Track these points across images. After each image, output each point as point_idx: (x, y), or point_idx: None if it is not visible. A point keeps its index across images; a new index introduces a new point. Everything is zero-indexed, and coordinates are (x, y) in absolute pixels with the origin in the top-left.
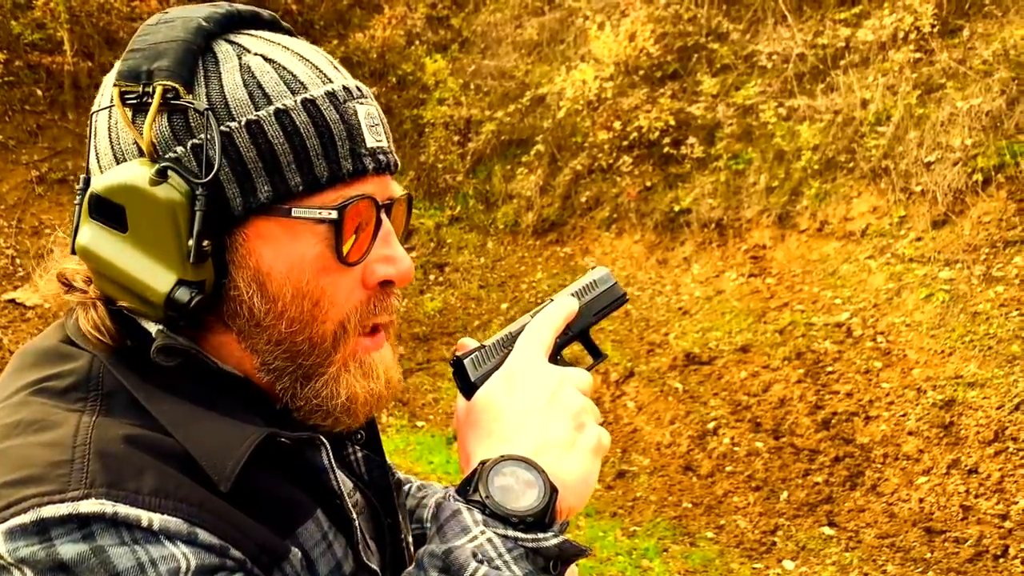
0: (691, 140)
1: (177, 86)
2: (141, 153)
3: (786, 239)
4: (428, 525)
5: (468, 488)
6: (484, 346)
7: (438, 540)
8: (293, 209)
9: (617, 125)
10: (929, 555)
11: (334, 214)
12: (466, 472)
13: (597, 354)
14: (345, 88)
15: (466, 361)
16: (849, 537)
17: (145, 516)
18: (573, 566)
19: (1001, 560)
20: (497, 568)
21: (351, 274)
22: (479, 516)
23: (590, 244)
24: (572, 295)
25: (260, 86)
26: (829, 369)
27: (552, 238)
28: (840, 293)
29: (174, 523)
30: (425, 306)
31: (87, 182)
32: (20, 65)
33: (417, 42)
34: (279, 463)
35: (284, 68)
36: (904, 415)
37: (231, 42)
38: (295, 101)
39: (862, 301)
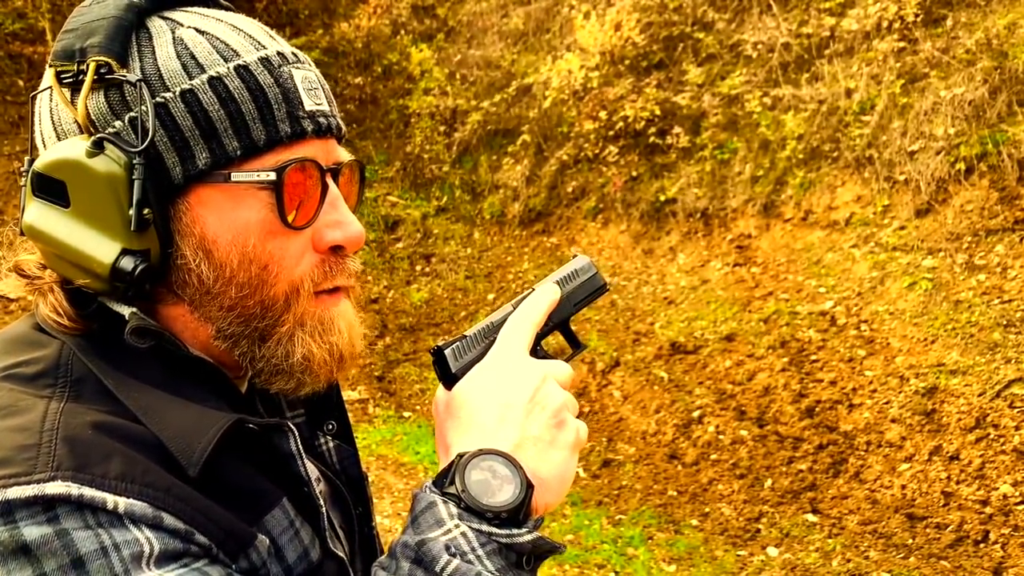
0: (677, 130)
1: (110, 60)
2: (82, 130)
3: (771, 228)
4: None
5: (444, 480)
6: (465, 336)
7: (412, 531)
8: (232, 174)
9: (603, 115)
10: (911, 541)
11: (272, 176)
12: (443, 463)
13: (577, 344)
14: (280, 54)
15: (447, 351)
16: (832, 524)
17: (111, 499)
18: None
19: (982, 545)
20: (469, 562)
21: (300, 238)
22: (454, 509)
23: (576, 234)
24: (554, 284)
25: (193, 56)
26: (813, 357)
27: (538, 228)
28: (824, 282)
29: (139, 507)
30: (411, 297)
31: (31, 163)
32: (1, 55)
33: (403, 32)
34: (247, 450)
35: (217, 38)
36: (887, 403)
37: (165, 18)
38: (228, 68)
39: (846, 290)
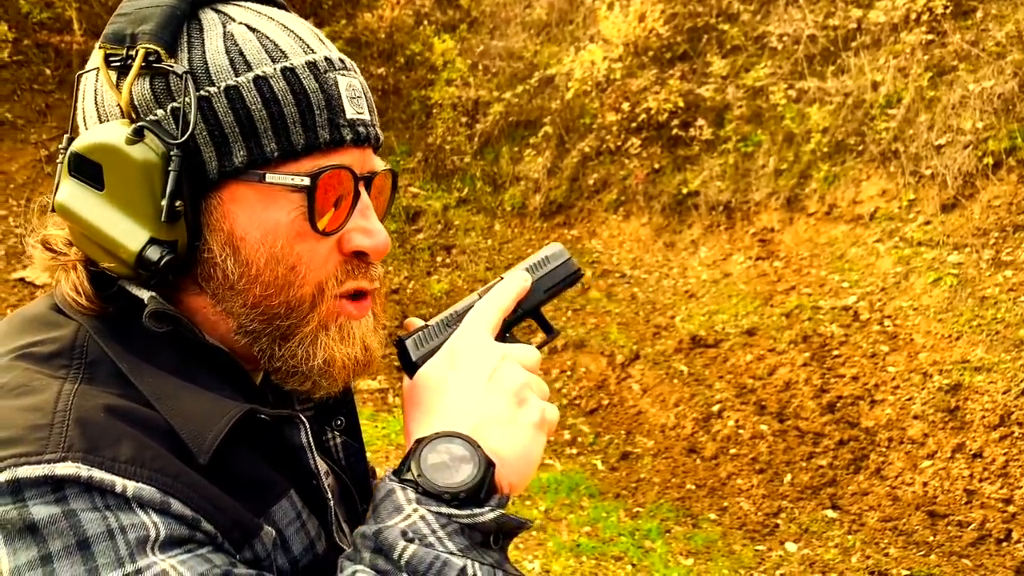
0: (700, 122)
1: (159, 49)
2: (124, 115)
3: (794, 222)
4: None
5: (403, 468)
6: (428, 325)
7: (372, 521)
8: (267, 175)
9: (626, 107)
10: (932, 538)
11: (307, 181)
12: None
13: (549, 330)
14: (327, 59)
15: (408, 341)
16: (852, 520)
17: (120, 482)
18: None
19: (1004, 544)
20: (429, 545)
21: (327, 241)
22: (412, 495)
23: (597, 227)
24: (523, 271)
25: (241, 53)
26: (835, 353)
27: (559, 220)
28: (848, 277)
29: (148, 491)
30: (432, 288)
31: (71, 141)
32: (29, 44)
33: (426, 22)
34: (257, 440)
35: (267, 37)
36: (910, 399)
37: (218, 11)
38: (275, 69)
39: (869, 285)
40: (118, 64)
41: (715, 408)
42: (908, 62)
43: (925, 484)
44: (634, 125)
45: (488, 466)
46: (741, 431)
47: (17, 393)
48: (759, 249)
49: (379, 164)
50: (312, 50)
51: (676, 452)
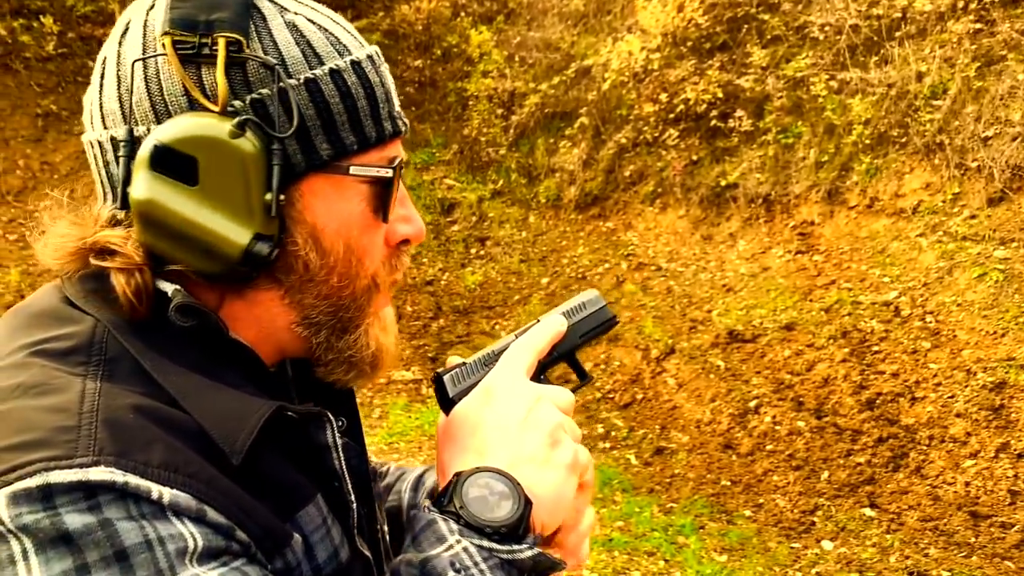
0: (739, 113)
1: (240, 38)
2: (191, 105)
3: (835, 215)
4: (404, 502)
5: (443, 499)
6: (466, 363)
7: (413, 550)
8: (351, 167)
9: (663, 97)
10: (974, 539)
11: (389, 172)
12: (441, 487)
13: (583, 375)
14: (377, 53)
15: (446, 377)
16: (891, 519)
17: (156, 489)
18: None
19: None
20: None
21: (381, 232)
22: (454, 526)
23: (633, 219)
24: (560, 315)
25: (310, 45)
26: (875, 349)
27: (594, 212)
28: (889, 271)
29: (184, 499)
30: (466, 280)
31: (130, 133)
32: (73, 37)
33: (463, 14)
34: (282, 440)
35: (326, 30)
36: (952, 397)
37: (267, 1)
38: (345, 62)
39: (911, 280)
40: (189, 52)
41: (752, 404)
42: (955, 52)
43: (967, 484)
44: (672, 116)
45: (527, 504)
46: (778, 427)
47: (37, 392)
48: (799, 243)
49: (403, 153)
50: (363, 44)
51: (711, 448)
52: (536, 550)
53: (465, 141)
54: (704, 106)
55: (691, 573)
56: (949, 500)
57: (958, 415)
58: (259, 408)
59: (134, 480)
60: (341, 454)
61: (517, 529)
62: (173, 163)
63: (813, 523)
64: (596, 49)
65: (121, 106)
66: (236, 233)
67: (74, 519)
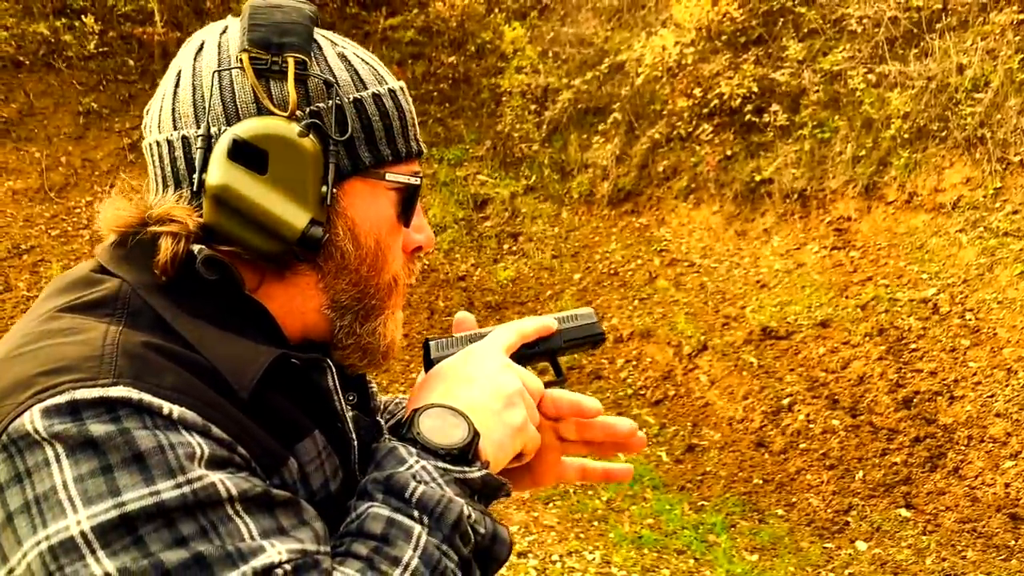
0: (775, 107)
1: (306, 59)
2: (259, 111)
3: (872, 211)
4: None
5: (402, 430)
6: (453, 336)
7: (377, 471)
8: (387, 174)
9: (697, 92)
10: (1013, 542)
11: (417, 180)
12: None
13: (559, 373)
14: (404, 87)
15: (432, 342)
16: (927, 520)
17: (167, 406)
18: None
19: None
20: (437, 487)
21: (401, 236)
22: (412, 449)
23: (666, 215)
24: (554, 319)
25: (356, 72)
26: (913, 346)
27: (627, 208)
28: (927, 268)
29: (191, 415)
30: (498, 275)
31: (208, 128)
32: (113, 36)
33: (496, 10)
34: (287, 384)
35: (367, 63)
36: (992, 396)
37: (322, 35)
38: (383, 89)
39: (951, 276)
40: (263, 68)
41: (785, 401)
42: (997, 43)
43: (1007, 485)
44: (706, 111)
45: (476, 434)
46: (812, 425)
47: (66, 334)
48: (834, 238)
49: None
50: (392, 78)
51: (743, 446)
52: (484, 471)
53: (498, 137)
54: (739, 100)
55: (721, 572)
56: (988, 501)
57: (998, 415)
58: (265, 353)
59: (148, 397)
60: (341, 397)
61: (467, 454)
62: (247, 154)
63: (847, 523)
64: (630, 44)
65: (195, 110)
66: (296, 217)
67: (97, 428)
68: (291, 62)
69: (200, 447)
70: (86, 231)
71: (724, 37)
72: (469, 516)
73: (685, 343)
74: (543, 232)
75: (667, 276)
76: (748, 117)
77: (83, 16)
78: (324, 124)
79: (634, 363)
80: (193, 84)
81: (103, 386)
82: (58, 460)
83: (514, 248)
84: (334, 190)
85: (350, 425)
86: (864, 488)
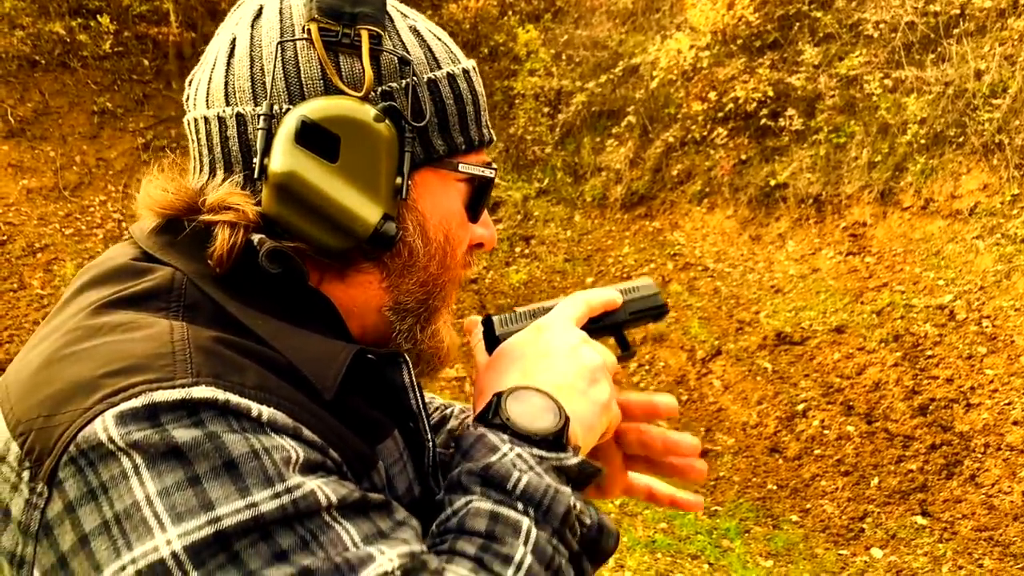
0: (790, 112)
1: (381, 32)
2: (326, 89)
3: (888, 216)
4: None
5: (487, 415)
6: (516, 311)
7: (470, 462)
8: (460, 164)
9: (712, 96)
10: None
11: (492, 172)
12: (481, 407)
13: (626, 347)
14: (475, 67)
15: (495, 318)
16: (943, 528)
17: (255, 407)
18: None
19: None
20: (539, 475)
21: (468, 233)
22: (504, 436)
23: (680, 219)
24: (617, 292)
25: (431, 49)
26: (929, 353)
27: (640, 212)
28: (944, 274)
29: (280, 417)
30: (510, 278)
31: (272, 108)
32: (128, 36)
33: (510, 12)
34: (362, 381)
35: (439, 39)
36: (1009, 403)
37: (392, 4)
38: (458, 69)
39: (967, 283)
40: (332, 40)
41: (800, 407)
42: (1016, 49)
43: None
44: (721, 115)
45: (567, 418)
46: (826, 431)
47: (124, 329)
48: (850, 244)
49: None
50: (464, 57)
51: (757, 451)
52: (580, 458)
53: (511, 139)
54: (754, 105)
55: None
56: (1005, 510)
57: (1015, 423)
58: (344, 348)
59: (235, 398)
60: (417, 394)
61: (560, 439)
62: (317, 139)
63: (862, 530)
64: (644, 47)
65: (253, 84)
66: (369, 211)
67: (182, 433)
68: (365, 35)
69: (295, 451)
70: (100, 230)
71: (739, 41)
72: (575, 506)
73: (699, 348)
74: (555, 235)
75: (680, 281)
76: (763, 121)
77: (98, 16)
78: (399, 107)
79: (647, 367)
80: (251, 55)
81: (183, 387)
82: (138, 472)
83: (526, 251)
84: (408, 181)
85: (427, 424)
86: (880, 495)
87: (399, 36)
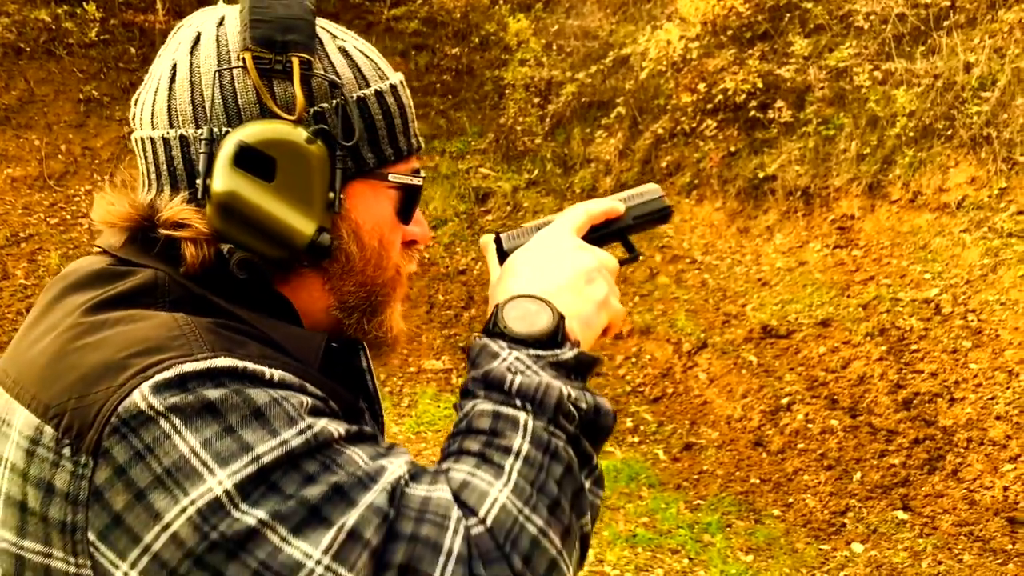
0: (779, 104)
1: (310, 58)
2: (262, 112)
3: (876, 209)
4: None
5: (489, 326)
6: (522, 226)
7: (475, 370)
8: (390, 174)
9: (702, 87)
10: (1011, 547)
11: (419, 180)
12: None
13: (632, 250)
14: (402, 80)
15: (502, 235)
16: (924, 523)
17: (267, 371)
18: None
19: None
20: (533, 374)
21: (400, 232)
22: (503, 343)
23: None
24: (619, 200)
25: (359, 69)
26: (914, 347)
27: None
28: (930, 268)
29: (288, 376)
30: None
31: (213, 134)
32: (115, 23)
33: (501, 1)
34: (333, 366)
35: (367, 57)
36: (992, 398)
37: (320, 27)
38: (385, 85)
39: (954, 277)
40: (265, 68)
41: (784, 401)
42: (1005, 42)
43: (1006, 489)
44: (710, 106)
45: (560, 317)
46: (810, 425)
47: (128, 320)
48: (837, 237)
49: None
50: (392, 72)
51: (741, 445)
52: (576, 350)
53: (501, 130)
54: (743, 96)
55: (716, 572)
56: (986, 505)
57: (998, 417)
58: (316, 334)
59: (251, 365)
60: (372, 377)
61: (555, 337)
62: (254, 161)
63: (843, 525)
64: (634, 38)
65: (194, 109)
66: (304, 225)
67: (211, 392)
68: (296, 62)
69: (305, 400)
70: (85, 220)
71: (729, 32)
72: (569, 395)
73: (685, 340)
74: None
75: (668, 273)
76: (752, 113)
77: (84, 3)
78: (329, 127)
79: (633, 360)
80: (191, 81)
81: (206, 359)
82: (177, 431)
83: None
84: (341, 195)
85: (381, 406)
86: (862, 489)
87: (329, 59)
